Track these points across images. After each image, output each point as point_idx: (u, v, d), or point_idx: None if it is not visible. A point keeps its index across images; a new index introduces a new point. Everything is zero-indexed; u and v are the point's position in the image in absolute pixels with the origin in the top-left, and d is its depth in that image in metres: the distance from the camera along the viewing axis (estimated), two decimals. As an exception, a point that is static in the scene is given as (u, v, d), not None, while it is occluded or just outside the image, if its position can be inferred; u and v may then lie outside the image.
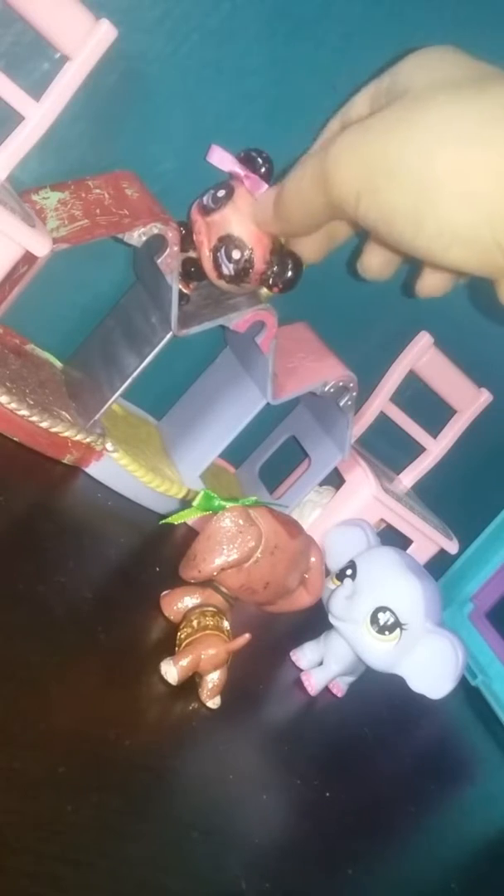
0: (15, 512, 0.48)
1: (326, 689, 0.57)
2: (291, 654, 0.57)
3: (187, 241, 0.56)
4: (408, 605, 0.48)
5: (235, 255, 0.54)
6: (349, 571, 0.51)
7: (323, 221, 0.45)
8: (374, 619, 0.48)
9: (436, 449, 0.80)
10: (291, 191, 0.44)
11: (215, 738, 0.44)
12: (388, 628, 0.48)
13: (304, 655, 0.57)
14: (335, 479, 0.74)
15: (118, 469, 0.58)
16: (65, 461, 0.56)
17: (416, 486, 0.81)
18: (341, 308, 0.74)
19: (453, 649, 0.48)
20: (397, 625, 0.48)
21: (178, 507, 0.59)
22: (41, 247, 0.48)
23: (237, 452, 0.73)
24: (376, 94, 0.45)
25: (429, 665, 0.48)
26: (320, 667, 0.55)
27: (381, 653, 0.49)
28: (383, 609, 0.48)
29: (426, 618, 0.48)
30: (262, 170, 0.54)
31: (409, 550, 0.73)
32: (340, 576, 0.53)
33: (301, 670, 0.56)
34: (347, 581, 0.51)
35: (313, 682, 0.55)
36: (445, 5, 0.64)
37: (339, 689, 0.57)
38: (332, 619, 0.52)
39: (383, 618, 0.48)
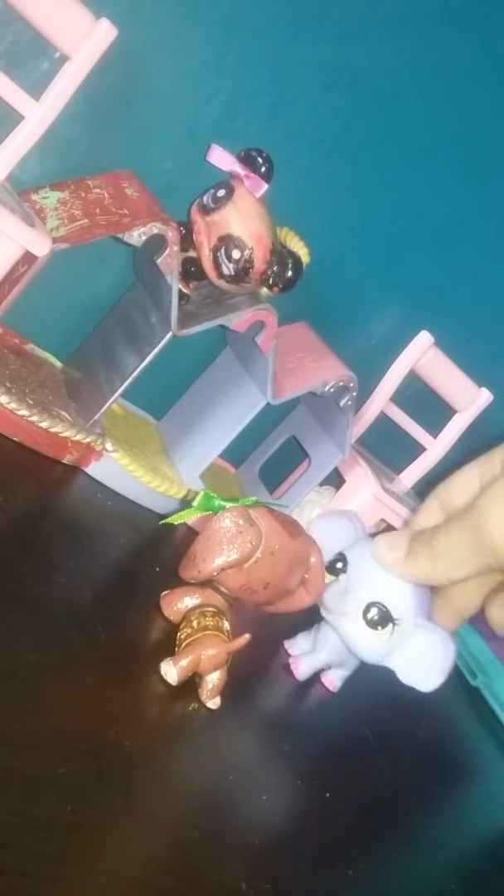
0: (15, 512, 0.48)
1: (320, 685, 0.57)
2: (285, 642, 0.58)
3: (187, 240, 0.56)
4: (399, 600, 0.49)
5: (235, 254, 0.54)
6: (339, 565, 0.51)
7: (479, 568, 0.46)
8: (366, 614, 0.49)
9: (436, 449, 0.79)
10: (443, 544, 0.46)
11: (215, 738, 0.43)
12: (381, 623, 0.49)
13: (296, 644, 0.58)
14: (335, 479, 0.74)
15: (118, 469, 0.58)
16: (65, 461, 0.56)
17: (416, 486, 0.81)
18: (341, 308, 0.74)
19: (444, 644, 0.48)
20: (390, 620, 0.48)
21: (178, 507, 0.59)
22: (41, 246, 0.48)
23: (237, 452, 0.73)
24: (486, 462, 0.49)
25: (420, 658, 0.49)
26: (310, 654, 0.56)
27: (374, 647, 0.50)
28: (376, 604, 0.49)
29: (416, 613, 0.49)
30: (262, 169, 0.54)
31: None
32: (331, 569, 0.53)
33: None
34: (341, 576, 0.51)
35: (301, 668, 0.55)
36: (446, 7, 0.64)
37: (333, 683, 0.58)
38: (324, 613, 0.52)
39: (376, 613, 0.49)
